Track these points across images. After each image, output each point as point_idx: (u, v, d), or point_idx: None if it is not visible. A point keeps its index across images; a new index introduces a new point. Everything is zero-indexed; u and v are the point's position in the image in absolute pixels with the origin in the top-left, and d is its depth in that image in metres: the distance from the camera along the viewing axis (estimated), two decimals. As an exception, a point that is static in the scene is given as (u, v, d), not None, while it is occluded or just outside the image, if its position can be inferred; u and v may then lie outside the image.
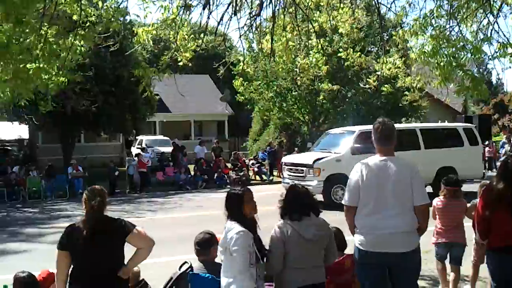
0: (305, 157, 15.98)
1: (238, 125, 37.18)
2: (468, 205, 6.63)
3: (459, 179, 6.92)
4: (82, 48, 5.78)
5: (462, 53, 6.14)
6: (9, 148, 29.24)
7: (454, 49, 6.05)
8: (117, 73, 22.21)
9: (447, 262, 6.70)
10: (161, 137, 31.15)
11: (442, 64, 6.08)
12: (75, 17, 5.61)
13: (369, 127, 19.01)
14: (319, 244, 4.27)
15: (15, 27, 4.70)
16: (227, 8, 6.00)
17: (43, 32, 5.03)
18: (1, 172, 21.18)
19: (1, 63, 4.97)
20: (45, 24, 5.12)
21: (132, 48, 19.64)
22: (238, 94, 23.29)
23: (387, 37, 16.61)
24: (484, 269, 6.72)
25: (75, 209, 15.65)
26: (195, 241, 4.91)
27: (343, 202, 4.60)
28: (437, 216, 6.55)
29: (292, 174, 15.88)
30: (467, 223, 6.68)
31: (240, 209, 4.20)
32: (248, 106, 26.82)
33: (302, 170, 15.32)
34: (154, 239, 4.27)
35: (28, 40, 4.96)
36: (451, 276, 6.51)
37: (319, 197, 13.82)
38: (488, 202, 4.78)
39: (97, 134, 27.41)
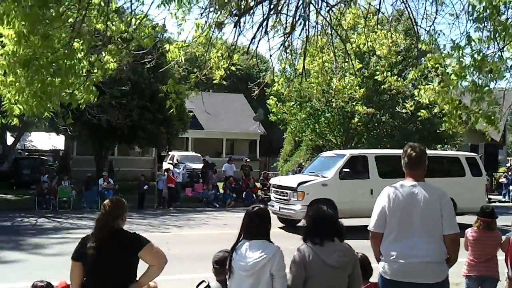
0: (291, 180, 15.48)
1: (270, 145, 37.13)
2: (503, 238, 6.33)
3: (494, 211, 6.63)
4: (113, 64, 5.80)
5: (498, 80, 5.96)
6: (44, 158, 29.92)
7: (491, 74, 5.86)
8: (153, 88, 22.53)
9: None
10: (192, 153, 31.37)
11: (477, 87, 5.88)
12: (108, 33, 5.65)
13: (361, 151, 18.78)
14: (343, 271, 4.06)
15: (42, 42, 4.74)
16: (259, 27, 5.97)
17: (71, 45, 5.08)
18: (35, 181, 21.64)
19: (27, 76, 5.01)
20: (74, 39, 5.17)
21: (168, 64, 20.03)
22: (271, 114, 23.28)
23: (425, 61, 16.33)
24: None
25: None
26: (213, 260, 4.79)
27: (368, 228, 4.41)
28: (470, 248, 6.27)
29: (277, 197, 15.31)
30: (501, 257, 6.40)
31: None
32: (280, 127, 26.77)
33: (287, 193, 14.75)
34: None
35: (55, 55, 5.00)
36: (482, 312, 6.20)
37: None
38: None
39: (130, 147, 27.77)
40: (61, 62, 5.02)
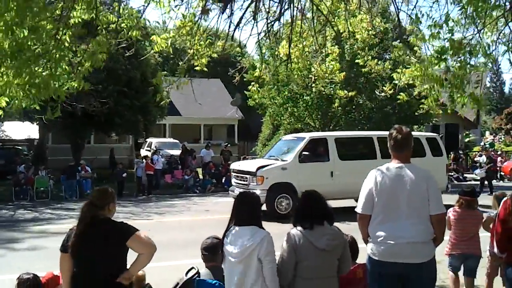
0: (250, 165, 15.25)
1: (248, 129, 37.09)
2: (485, 215, 6.47)
3: (475, 190, 6.75)
4: (101, 55, 5.68)
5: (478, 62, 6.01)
6: (19, 147, 29.36)
7: (470, 56, 5.91)
8: (129, 75, 22.22)
9: (460, 273, 6.54)
10: (170, 140, 31.14)
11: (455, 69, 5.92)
12: (98, 23, 5.51)
13: (321, 133, 18.77)
14: (333, 254, 4.12)
15: (30, 33, 4.62)
16: (244, 13, 5.92)
17: (58, 37, 4.95)
18: (10, 172, 21.25)
19: (15, 68, 4.88)
20: (61, 30, 5.05)
21: (144, 50, 19.76)
22: (249, 99, 23.21)
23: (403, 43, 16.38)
24: (498, 282, 6.58)
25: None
26: (202, 246, 4.78)
27: (356, 210, 4.45)
28: (452, 227, 6.39)
29: (238, 181, 15.09)
30: (482, 234, 6.54)
31: None
32: (258, 111, 26.71)
33: (246, 178, 14.53)
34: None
35: (43, 46, 4.87)
36: (464, 288, 6.35)
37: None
38: (508, 217, 4.63)
39: (107, 135, 27.43)
40: (50, 54, 4.90)
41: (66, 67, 5.28)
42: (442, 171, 15.82)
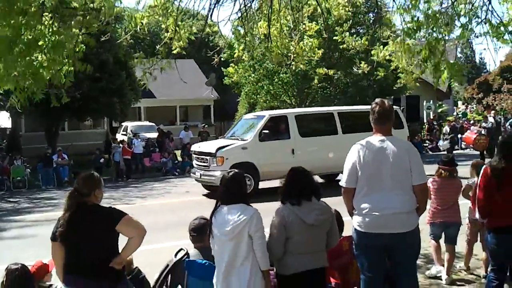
0: (210, 146, 14.94)
1: (224, 109, 36.95)
2: (464, 183, 6.62)
3: (454, 159, 6.89)
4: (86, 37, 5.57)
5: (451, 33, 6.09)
6: (-9, 137, 28.79)
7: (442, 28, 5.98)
8: (101, 58, 21.81)
9: (441, 241, 6.70)
10: (146, 123, 30.83)
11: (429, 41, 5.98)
12: (75, 4, 5.38)
13: (281, 111, 18.83)
14: (321, 229, 4.20)
15: (21, 19, 4.49)
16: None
17: (46, 23, 4.85)
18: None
19: (9, 58, 4.75)
20: (47, 14, 4.94)
21: (115, 32, 19.43)
22: (226, 78, 23.08)
23: (374, 17, 16.46)
24: (477, 247, 6.78)
25: (61, 197, 15.46)
26: (190, 227, 4.81)
27: (340, 183, 4.52)
28: (432, 196, 6.52)
29: (198, 163, 14.83)
30: (461, 202, 6.70)
31: None
32: (234, 90, 26.62)
33: (207, 159, 14.26)
34: (146, 225, 4.14)
35: (36, 32, 4.76)
36: (446, 255, 6.52)
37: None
38: (491, 181, 4.76)
39: (82, 121, 27.02)
40: (47, 39, 4.80)
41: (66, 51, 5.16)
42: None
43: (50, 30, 4.89)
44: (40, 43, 4.90)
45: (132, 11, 7.93)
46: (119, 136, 27.38)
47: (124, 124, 29.71)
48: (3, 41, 4.64)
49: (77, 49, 5.41)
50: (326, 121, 15.17)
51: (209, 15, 5.95)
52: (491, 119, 20.83)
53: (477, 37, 6.09)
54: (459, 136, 23.58)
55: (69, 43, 5.11)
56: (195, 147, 15.88)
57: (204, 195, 14.60)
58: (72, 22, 5.18)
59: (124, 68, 23.69)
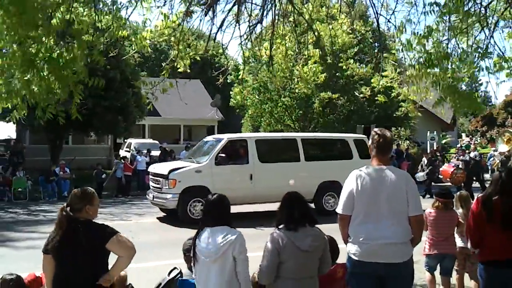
0: (164, 167, 14.48)
1: (228, 130, 36.98)
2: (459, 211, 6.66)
3: (451, 191, 6.93)
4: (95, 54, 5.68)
5: (458, 67, 6.17)
6: (-5, 147, 28.88)
7: (450, 63, 6.06)
8: (109, 75, 22.01)
9: (436, 273, 6.69)
10: (150, 140, 30.97)
11: (438, 77, 6.08)
12: (76, 26, 5.49)
13: (241, 135, 18.98)
14: (315, 255, 4.21)
15: (33, 30, 4.58)
16: (227, 15, 5.99)
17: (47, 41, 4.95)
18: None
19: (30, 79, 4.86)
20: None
21: (123, 49, 19.61)
22: (231, 99, 23.29)
23: (380, 47, 16.62)
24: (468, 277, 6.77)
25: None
26: (184, 248, 4.85)
27: (337, 210, 4.52)
28: (429, 228, 6.53)
29: (153, 185, 14.42)
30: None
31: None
32: (238, 112, 26.78)
33: (160, 181, 13.87)
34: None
35: (46, 47, 4.86)
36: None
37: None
38: (480, 214, 4.78)
39: (86, 136, 27.15)
40: (57, 56, 4.90)
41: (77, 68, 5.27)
42: None
43: (59, 47, 4.98)
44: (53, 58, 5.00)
45: (140, 29, 8.06)
46: (122, 153, 27.47)
47: (127, 140, 29.85)
48: (25, 56, 4.74)
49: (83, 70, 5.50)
50: (288, 147, 14.66)
51: (213, 39, 6.05)
52: (473, 154, 20.79)
53: (478, 71, 6.18)
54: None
55: (81, 60, 5.21)
56: (151, 168, 15.39)
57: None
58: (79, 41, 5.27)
59: (131, 85, 23.89)
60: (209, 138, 16.30)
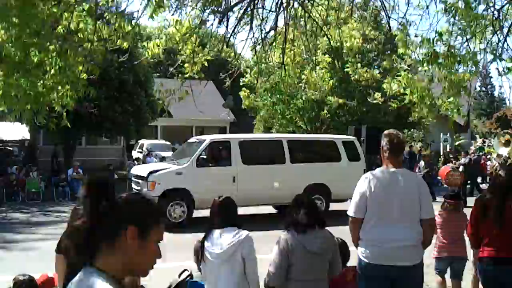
0: (144, 169, 14.11)
1: (240, 132, 37.07)
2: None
3: (460, 193, 6.90)
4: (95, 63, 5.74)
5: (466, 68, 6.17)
6: (10, 148, 29.19)
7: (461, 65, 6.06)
8: (122, 78, 22.16)
9: (447, 276, 6.65)
10: (162, 141, 31.12)
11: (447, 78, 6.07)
12: (81, 34, 5.54)
13: (225, 136, 18.71)
14: (324, 257, 4.22)
15: (33, 38, 4.64)
16: (239, 21, 6.02)
17: (52, 47, 5.00)
18: (1, 173, 21.13)
19: (17, 77, 4.91)
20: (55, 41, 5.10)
21: (137, 51, 19.73)
22: (243, 101, 23.36)
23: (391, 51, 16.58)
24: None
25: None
26: (195, 249, 4.86)
27: (348, 213, 4.52)
28: (439, 230, 6.49)
29: (134, 187, 13.93)
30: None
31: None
32: (250, 114, 26.80)
33: (140, 183, 13.40)
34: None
35: (44, 54, 4.91)
36: (452, 291, 6.46)
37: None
38: (476, 213, 4.88)
39: (99, 135, 27.35)
40: (53, 62, 4.95)
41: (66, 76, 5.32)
42: (359, 176, 14.91)
43: (56, 54, 5.02)
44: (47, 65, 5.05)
45: (155, 36, 8.13)
46: (135, 154, 27.63)
47: (140, 141, 30.00)
48: (12, 60, 4.79)
49: (83, 76, 5.56)
50: (274, 149, 14.26)
51: (226, 43, 6.09)
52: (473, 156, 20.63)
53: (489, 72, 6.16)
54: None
55: (75, 68, 5.25)
56: (133, 170, 15.10)
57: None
58: (79, 50, 5.32)
59: (143, 87, 24.00)
60: (193, 139, 15.99)
